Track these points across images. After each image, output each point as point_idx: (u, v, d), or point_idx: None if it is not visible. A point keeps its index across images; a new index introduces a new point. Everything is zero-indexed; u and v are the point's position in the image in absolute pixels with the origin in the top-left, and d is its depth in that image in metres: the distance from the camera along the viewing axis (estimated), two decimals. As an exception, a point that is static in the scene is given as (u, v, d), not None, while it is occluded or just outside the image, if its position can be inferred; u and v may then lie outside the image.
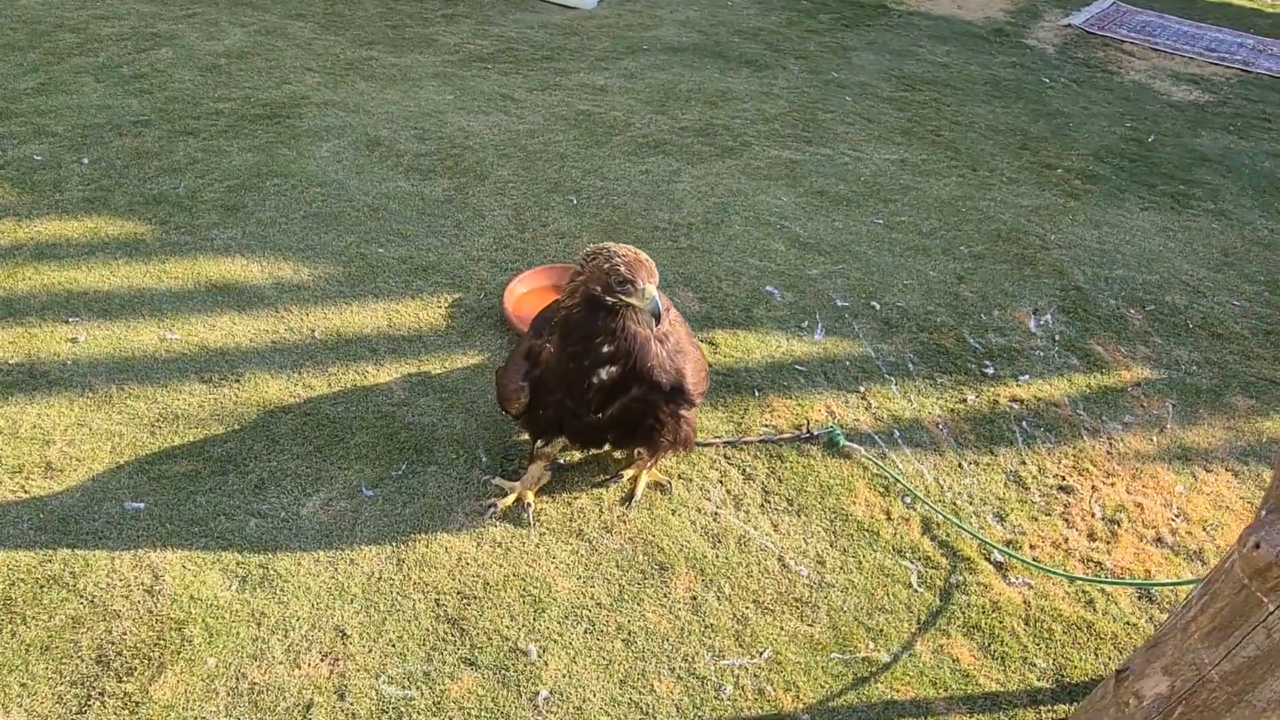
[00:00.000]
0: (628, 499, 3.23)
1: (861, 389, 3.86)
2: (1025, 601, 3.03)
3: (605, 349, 2.69)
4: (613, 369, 2.71)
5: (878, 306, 4.37)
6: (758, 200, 5.16)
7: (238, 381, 3.55)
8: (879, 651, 2.82)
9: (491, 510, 3.12)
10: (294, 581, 2.84)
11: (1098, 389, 4.01)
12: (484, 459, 3.34)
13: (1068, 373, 4.08)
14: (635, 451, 3.22)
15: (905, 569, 3.09)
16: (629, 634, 2.79)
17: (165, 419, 3.36)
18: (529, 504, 3.15)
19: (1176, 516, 3.41)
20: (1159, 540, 3.31)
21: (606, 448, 3.22)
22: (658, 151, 5.56)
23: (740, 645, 2.80)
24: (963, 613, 2.97)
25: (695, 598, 2.92)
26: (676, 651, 2.75)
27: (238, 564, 2.88)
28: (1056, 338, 4.30)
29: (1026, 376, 4.02)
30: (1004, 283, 4.65)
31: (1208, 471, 3.63)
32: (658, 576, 2.98)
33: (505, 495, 3.17)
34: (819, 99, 6.57)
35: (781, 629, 2.86)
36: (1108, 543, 3.28)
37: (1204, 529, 3.36)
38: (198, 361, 3.63)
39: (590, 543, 3.07)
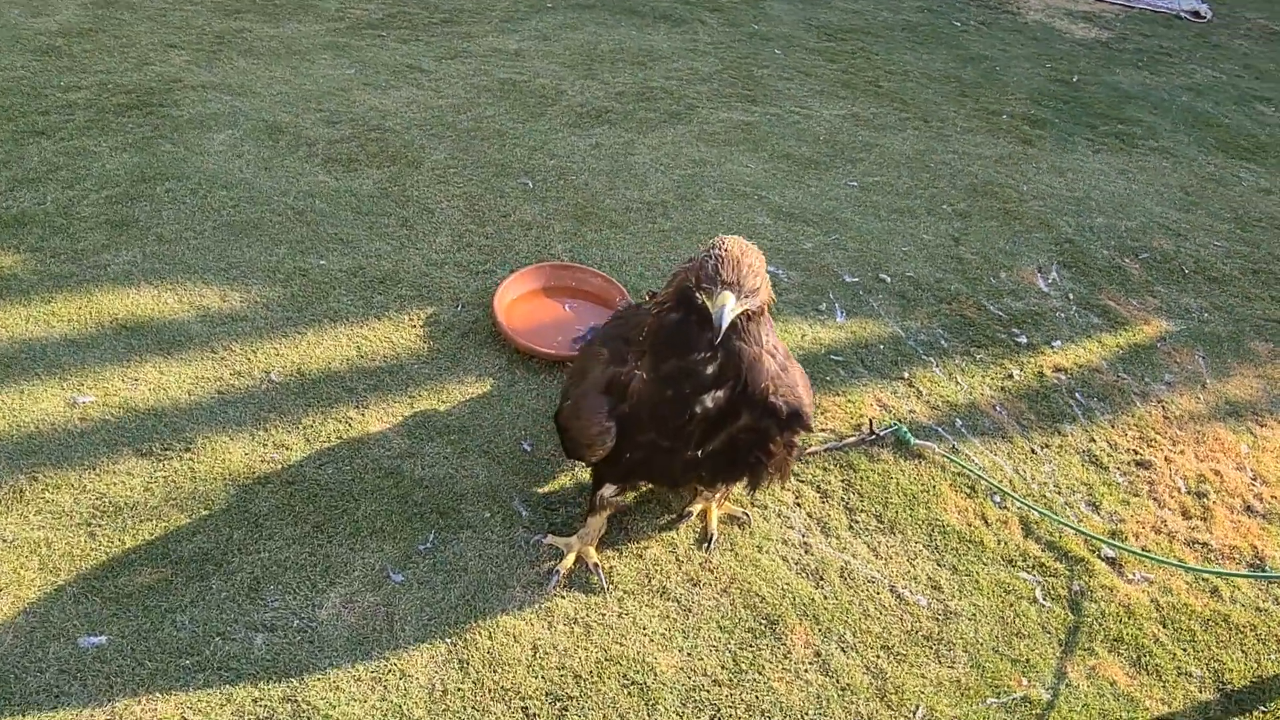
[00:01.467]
0: (706, 540, 2.75)
1: (905, 374, 3.51)
2: (1153, 601, 2.77)
3: (708, 369, 2.16)
4: (719, 394, 2.20)
5: (888, 279, 4.02)
6: (726, 169, 4.69)
7: (188, 450, 2.80)
8: (1034, 687, 2.48)
9: (555, 578, 2.57)
10: (337, 713, 2.21)
11: (1128, 348, 3.82)
12: (523, 512, 2.76)
13: (1094, 333, 3.88)
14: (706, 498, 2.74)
15: (1025, 582, 2.77)
16: (763, 713, 2.33)
17: (104, 513, 2.59)
18: (594, 563, 2.62)
19: (1254, 481, 3.25)
20: (1249, 509, 3.14)
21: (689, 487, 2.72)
22: (601, 121, 4.98)
23: (888, 706, 2.39)
24: (1100, 625, 2.68)
25: (819, 654, 2.49)
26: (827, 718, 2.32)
27: (254, 701, 2.21)
28: (1070, 296, 4.09)
29: (1059, 342, 3.79)
30: (998, 240, 4.41)
31: (1261, 426, 3.50)
32: (770, 634, 2.52)
33: (564, 555, 2.62)
34: (748, 54, 6.13)
35: (924, 677, 2.47)
36: (1204, 519, 3.07)
37: (1283, 490, 3.22)
38: (128, 429, 2.85)
39: (679, 602, 2.57)
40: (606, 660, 2.40)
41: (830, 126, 5.31)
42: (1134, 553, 2.88)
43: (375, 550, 2.58)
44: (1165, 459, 3.28)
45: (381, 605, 2.45)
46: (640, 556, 2.69)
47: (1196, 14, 8.06)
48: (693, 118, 5.17)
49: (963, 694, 2.44)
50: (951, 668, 2.50)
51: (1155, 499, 3.12)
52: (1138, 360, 3.75)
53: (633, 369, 2.27)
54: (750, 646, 2.48)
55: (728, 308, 2.04)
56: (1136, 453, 3.30)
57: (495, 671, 2.34)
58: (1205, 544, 2.98)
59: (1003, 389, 3.52)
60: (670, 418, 2.22)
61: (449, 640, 2.39)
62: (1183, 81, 6.65)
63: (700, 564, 2.68)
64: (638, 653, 2.43)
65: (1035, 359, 3.68)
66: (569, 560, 2.61)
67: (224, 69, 4.98)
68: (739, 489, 2.68)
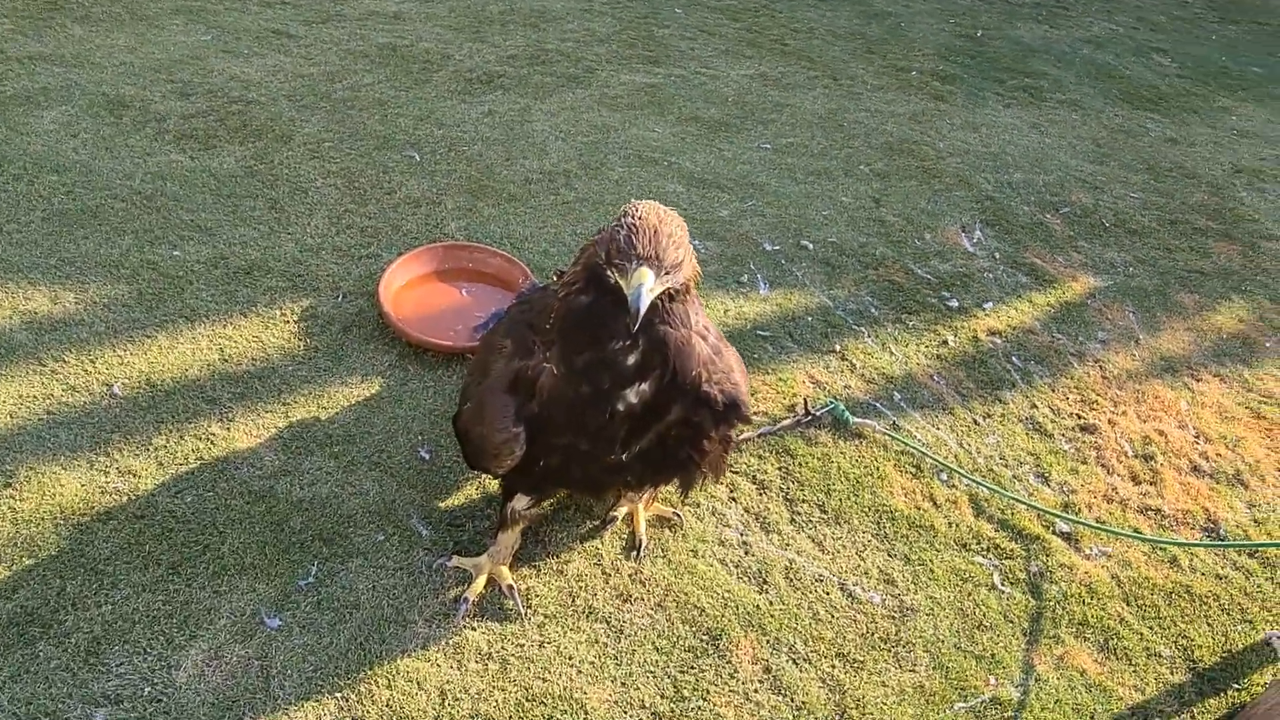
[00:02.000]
0: (634, 548, 2.44)
1: (837, 347, 3.25)
2: (1113, 577, 2.59)
3: (629, 360, 1.83)
4: (644, 387, 1.87)
5: (810, 246, 3.76)
6: (631, 135, 4.35)
7: (8, 486, 2.33)
8: (1002, 685, 2.26)
9: (463, 606, 2.22)
10: (201, 800, 1.82)
11: (1059, 306, 3.66)
12: (423, 532, 2.40)
13: (1024, 293, 3.70)
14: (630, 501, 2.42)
15: (981, 567, 2.55)
16: (711, 747, 2.04)
17: (-101, 572, 2.12)
18: (509, 585, 2.27)
19: (1197, 439, 3.12)
20: (1196, 470, 3.00)
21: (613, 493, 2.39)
22: (494, 87, 4.57)
23: (849, 722, 2.13)
24: (1063, 608, 2.48)
25: (768, 669, 2.21)
26: (777, 754, 2.05)
27: (96, 794, 1.81)
28: (996, 255, 3.91)
29: (990, 304, 3.60)
30: (919, 200, 4.20)
31: (1197, 381, 3.38)
32: (712, 651, 2.23)
33: (473, 579, 2.27)
34: (647, 13, 5.77)
35: (884, 685, 2.22)
36: (1153, 484, 2.92)
37: (1227, 447, 3.09)
38: (-69, 465, 2.36)
39: (609, 623, 2.26)
40: (528, 700, 2.07)
41: (738, 87, 5.01)
42: (1089, 525, 2.70)
43: (245, 591, 2.18)
44: (1109, 421, 3.12)
45: (254, 658, 2.06)
46: (561, 573, 2.36)
47: (1088, -32, 8.07)
48: (592, 81, 4.80)
49: (928, 701, 2.20)
50: (913, 671, 2.26)
51: (1103, 465, 2.95)
52: (1070, 319, 3.59)
53: (540, 362, 1.92)
54: (692, 668, 2.19)
55: (645, 286, 1.71)
56: (1079, 416, 3.13)
57: (397, 727, 1.98)
58: (1158, 510, 2.83)
59: (938, 357, 3.30)
60: (588, 417, 1.89)
61: (339, 694, 2.02)
62: (1082, 34, 6.59)
63: (630, 576, 2.37)
64: (564, 688, 2.10)
65: (968, 323, 3.48)
66: (479, 584, 2.26)
67: (56, 38, 4.36)
68: (669, 488, 2.38)
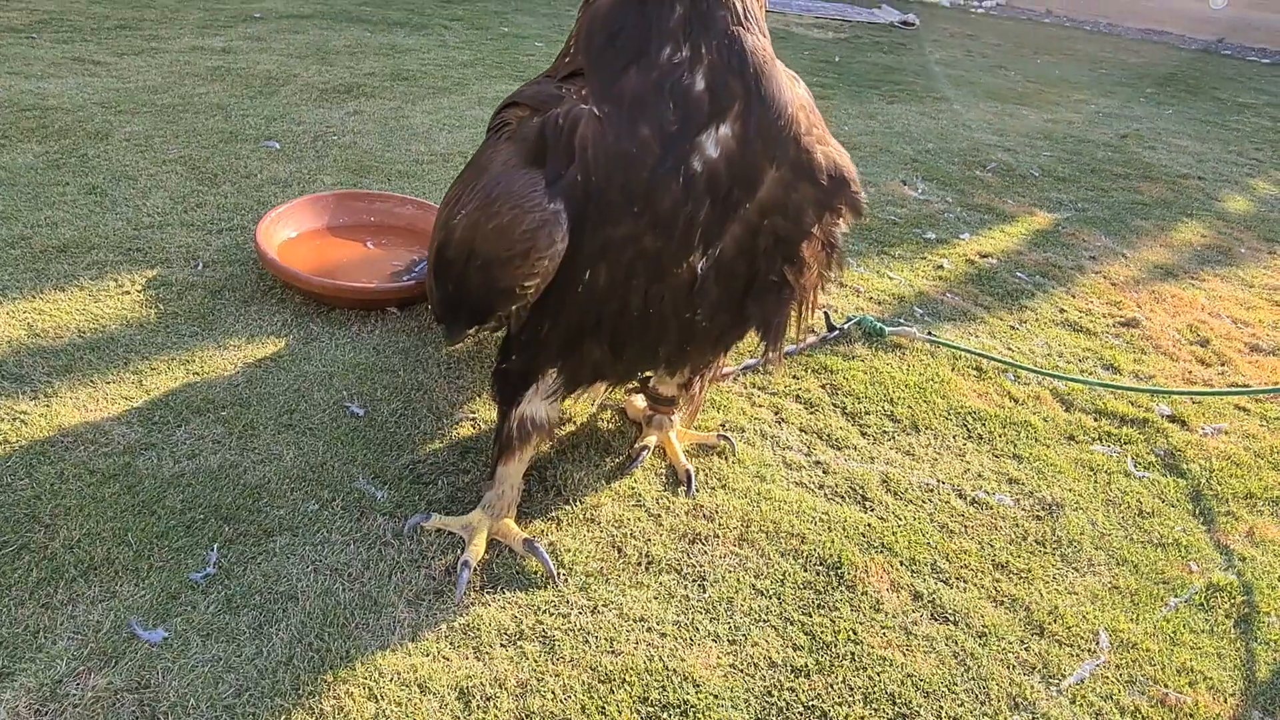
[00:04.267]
0: (681, 484, 1.73)
1: (832, 275, 2.72)
2: (1246, 449, 2.11)
3: (694, 80, 1.20)
4: (724, 130, 1.22)
5: (757, 200, 3.28)
6: (524, 126, 3.80)
7: None
8: (1210, 570, 1.68)
9: (463, 576, 1.43)
10: None
11: (1034, 234, 3.33)
12: (377, 494, 1.60)
13: (994, 225, 3.36)
14: (677, 389, 1.73)
15: (1106, 455, 2.00)
16: (896, 700, 1.32)
17: None
18: (524, 539, 1.51)
19: (1236, 324, 2.77)
20: (1256, 349, 2.62)
21: (661, 375, 1.67)
22: (356, 95, 3.95)
23: (1056, 642, 1.48)
24: (1217, 484, 1.95)
25: (918, 596, 1.54)
26: (990, 683, 1.35)
27: None
28: (948, 200, 3.58)
29: (966, 235, 3.21)
30: (848, 166, 3.85)
31: (1201, 281, 3.08)
32: (839, 583, 1.53)
33: (469, 541, 1.50)
34: (507, 47, 5.38)
35: (1074, 593, 1.59)
36: (1223, 364, 2.51)
37: (1269, 328, 2.76)
38: None
39: (679, 571, 1.52)
40: (601, 683, 1.29)
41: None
42: (1192, 394, 2.23)
43: (99, 599, 1.31)
44: (1145, 318, 2.73)
45: (126, 689, 1.19)
46: (593, 520, 1.61)
47: (907, 22, 8.49)
48: (466, 90, 4.27)
49: (1133, 601, 1.58)
50: (1095, 572, 1.65)
51: (1165, 354, 2.53)
52: (1050, 243, 3.26)
53: (577, 103, 1.26)
54: (820, 607, 1.48)
55: None
56: (1113, 316, 2.72)
57: (400, 754, 1.15)
58: (1246, 384, 2.41)
59: (940, 278, 2.84)
60: (656, 183, 1.21)
61: (290, 718, 1.18)
62: (927, 59, 6.76)
63: (688, 513, 1.66)
64: (648, 659, 1.34)
65: (954, 250, 3.06)
66: (478, 545, 1.49)
67: None
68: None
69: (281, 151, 3.16)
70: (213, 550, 1.42)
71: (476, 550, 1.48)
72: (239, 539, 1.45)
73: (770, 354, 1.50)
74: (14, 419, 1.66)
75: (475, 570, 1.45)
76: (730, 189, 1.26)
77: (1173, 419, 2.20)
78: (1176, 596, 1.61)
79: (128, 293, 2.14)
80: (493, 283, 1.27)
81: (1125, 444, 2.06)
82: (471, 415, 1.86)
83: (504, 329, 1.47)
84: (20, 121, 3.12)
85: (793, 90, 1.31)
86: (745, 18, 1.23)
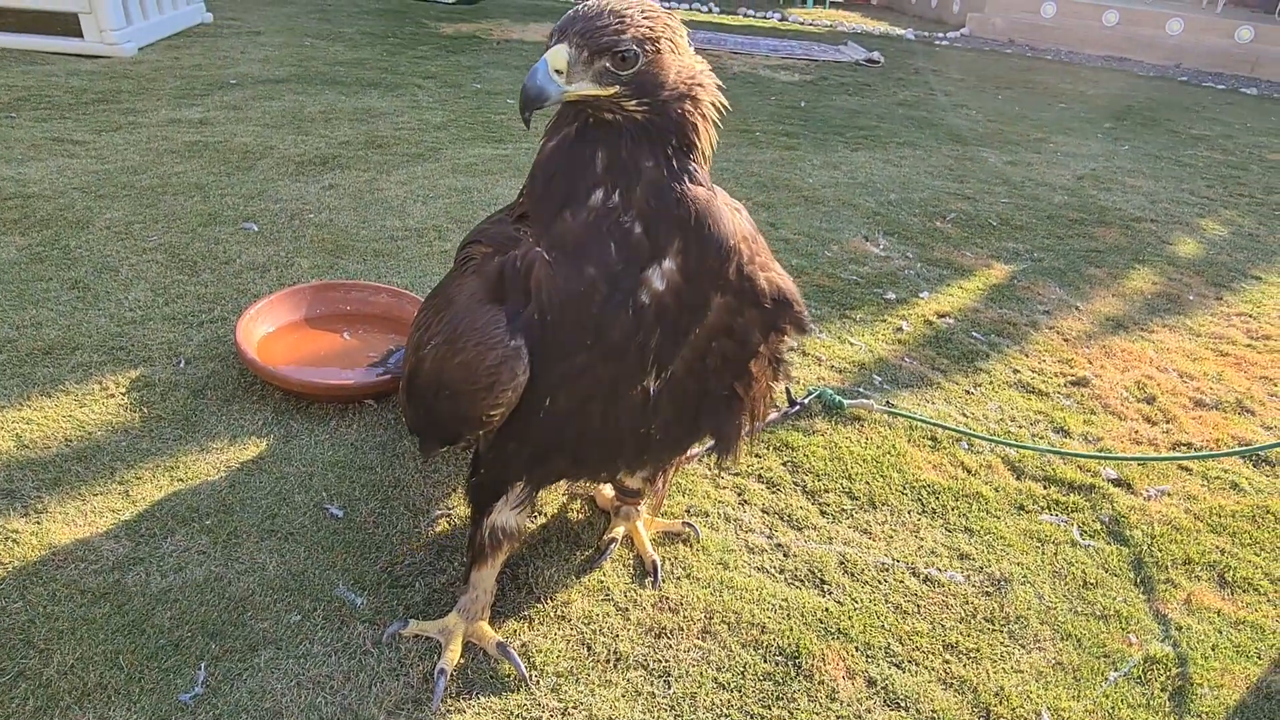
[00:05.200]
0: (647, 574, 1.82)
1: (794, 344, 2.83)
2: (1186, 511, 2.22)
3: (625, 218, 1.28)
4: (669, 264, 1.32)
5: (723, 265, 3.40)
6: (496, 193, 3.92)
7: None
8: (1149, 642, 1.78)
9: (440, 683, 1.51)
10: None
11: (990, 289, 3.46)
12: (357, 601, 1.68)
13: (952, 281, 3.48)
14: (642, 483, 1.82)
15: (1053, 525, 2.11)
16: (846, 793, 1.41)
17: None
18: (497, 642, 1.60)
19: (1182, 379, 2.89)
20: (1200, 404, 2.75)
21: (622, 479, 1.77)
22: (331, 167, 4.05)
23: (1001, 723, 1.57)
24: (1158, 550, 2.06)
25: (872, 681, 1.63)
26: (933, 784, 1.44)
27: None
28: (908, 255, 3.71)
29: (925, 294, 3.34)
30: (813, 221, 3.98)
31: (1149, 333, 3.21)
32: (796, 673, 1.63)
33: (445, 646, 1.58)
34: (479, 105, 5.50)
35: (1019, 671, 1.68)
36: (1168, 422, 2.63)
37: (1213, 381, 2.89)
38: None
39: (647, 667, 1.61)
40: (572, 788, 1.38)
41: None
42: (1136, 459, 2.34)
43: (94, 726, 1.39)
44: (1095, 375, 2.85)
45: (123, 820, 1.26)
46: (563, 618, 1.70)
47: (872, 60, 8.69)
48: (440, 156, 4.38)
49: (1076, 679, 1.68)
50: (1041, 649, 1.74)
51: (1113, 413, 2.65)
52: (1006, 297, 3.39)
53: (532, 247, 1.36)
54: (779, 699, 1.57)
55: (547, 64, 1.23)
56: (1064, 374, 2.84)
57: None
58: (1188, 444, 2.52)
59: (900, 341, 2.95)
60: (606, 316, 1.31)
61: (275, 843, 1.25)
62: (892, 100, 6.93)
63: (655, 606, 1.75)
64: (617, 760, 1.43)
65: (913, 310, 3.18)
66: (454, 651, 1.57)
67: None
68: (687, 474, 1.80)
69: (259, 233, 3.25)
70: (200, 669, 1.50)
71: (452, 656, 1.56)
72: (225, 655, 1.53)
73: (725, 459, 1.60)
74: (6, 538, 1.74)
75: (451, 676, 1.53)
76: (679, 317, 1.36)
77: (1118, 482, 2.31)
78: (1116, 670, 1.71)
79: (112, 395, 2.22)
80: (460, 412, 1.37)
81: (1072, 512, 2.16)
82: (447, 511, 1.95)
83: (474, 447, 1.57)
84: (3, 213, 3.20)
85: (734, 223, 1.41)
86: (674, 161, 1.32)
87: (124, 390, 2.25)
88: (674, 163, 1.32)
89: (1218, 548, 2.09)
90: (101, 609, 1.59)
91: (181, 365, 2.37)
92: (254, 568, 1.72)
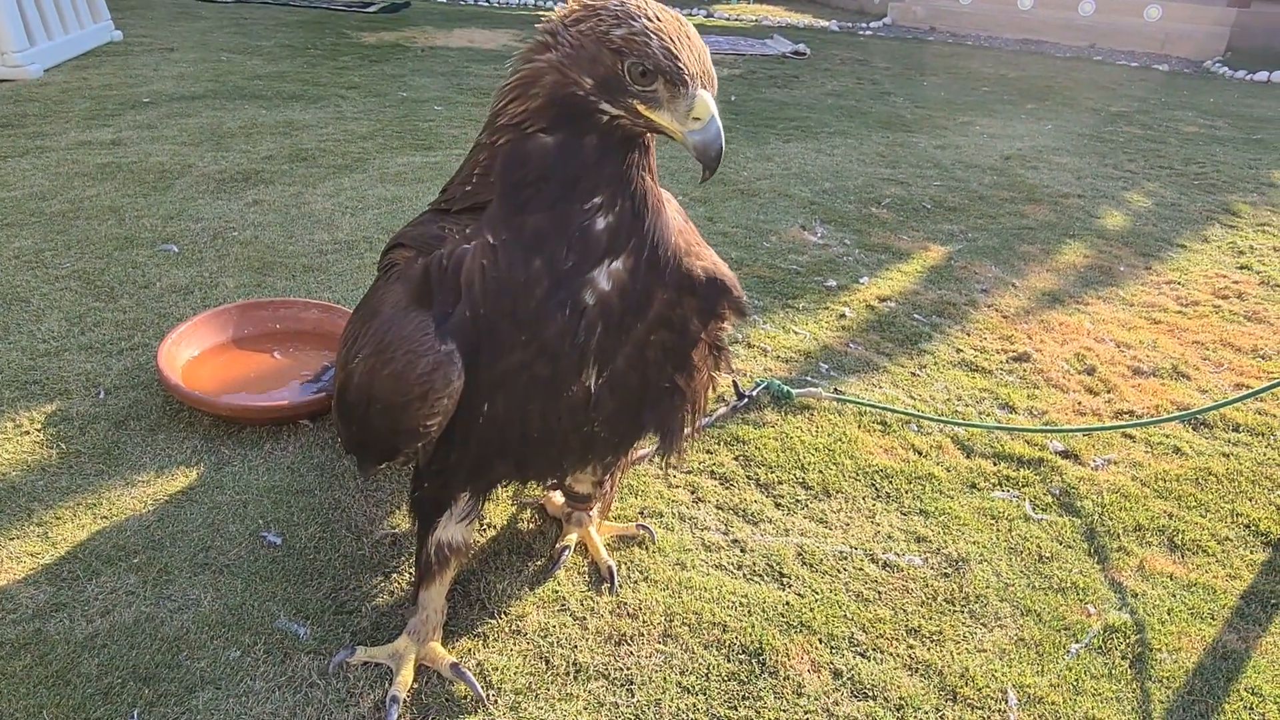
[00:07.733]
0: (603, 580, 1.77)
1: (739, 338, 2.82)
2: (1133, 479, 2.24)
3: (598, 223, 1.26)
4: (617, 265, 1.29)
5: (663, 261, 3.36)
6: (426, 201, 3.79)
7: None
8: (1106, 611, 1.79)
9: (393, 711, 1.44)
10: None
11: (928, 270, 3.48)
12: (300, 631, 1.60)
13: (890, 265, 3.50)
14: (591, 486, 1.77)
15: (1005, 501, 2.11)
16: (819, 790, 1.38)
17: None
18: (451, 663, 1.54)
19: (1119, 348, 2.94)
20: (1138, 372, 2.79)
21: (570, 483, 1.72)
22: (254, 182, 3.92)
23: (968, 706, 1.55)
24: (1109, 519, 2.08)
25: (838, 672, 1.60)
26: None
27: None
28: (846, 242, 3.72)
29: (865, 279, 3.34)
30: (750, 213, 3.98)
31: (1084, 305, 3.26)
32: (761, 670, 1.59)
33: (396, 672, 1.51)
34: (406, 114, 5.39)
35: (982, 651, 1.67)
36: (1109, 391, 2.66)
37: (1148, 349, 2.94)
38: None
39: (608, 677, 1.56)
40: (537, 810, 1.32)
41: (525, 156, 4.67)
42: (1081, 431, 2.36)
43: (17, 788, 1.29)
44: (1036, 350, 2.88)
45: None
46: (519, 632, 1.64)
47: (798, 52, 8.76)
48: (368, 166, 4.27)
49: (1039, 654, 1.68)
50: (1003, 626, 1.74)
51: (1055, 386, 2.67)
52: (944, 278, 3.41)
53: (460, 243, 1.30)
54: (745, 699, 1.53)
55: (715, 115, 1.22)
56: (1006, 351, 2.86)
57: None
58: (1130, 411, 2.56)
59: (844, 328, 2.95)
60: (544, 315, 1.27)
61: None
62: (820, 91, 6.98)
63: (613, 613, 1.70)
64: (582, 777, 1.37)
65: (854, 296, 3.19)
66: (405, 676, 1.50)
67: None
68: (639, 467, 1.76)
69: (180, 255, 3.12)
70: (133, 716, 1.41)
71: (405, 681, 1.50)
72: (160, 700, 1.44)
73: (670, 456, 1.56)
74: (-88, 593, 1.62)
75: (404, 703, 1.47)
76: (623, 316, 1.32)
77: (1066, 454, 2.33)
78: (1077, 642, 1.71)
79: (27, 433, 2.10)
80: (395, 425, 1.30)
81: (1023, 487, 2.17)
82: (392, 530, 1.87)
83: (414, 461, 1.50)
84: (-101, 247, 3.03)
85: (674, 217, 1.38)
86: (650, 165, 1.30)
87: (39, 426, 2.12)
88: (647, 164, 1.30)
89: (1165, 512, 2.11)
90: (22, 661, 1.49)
91: (101, 396, 2.26)
92: (188, 604, 1.63)
